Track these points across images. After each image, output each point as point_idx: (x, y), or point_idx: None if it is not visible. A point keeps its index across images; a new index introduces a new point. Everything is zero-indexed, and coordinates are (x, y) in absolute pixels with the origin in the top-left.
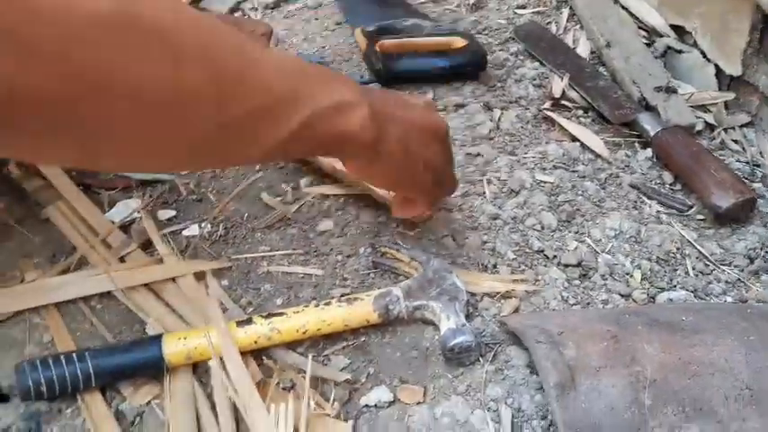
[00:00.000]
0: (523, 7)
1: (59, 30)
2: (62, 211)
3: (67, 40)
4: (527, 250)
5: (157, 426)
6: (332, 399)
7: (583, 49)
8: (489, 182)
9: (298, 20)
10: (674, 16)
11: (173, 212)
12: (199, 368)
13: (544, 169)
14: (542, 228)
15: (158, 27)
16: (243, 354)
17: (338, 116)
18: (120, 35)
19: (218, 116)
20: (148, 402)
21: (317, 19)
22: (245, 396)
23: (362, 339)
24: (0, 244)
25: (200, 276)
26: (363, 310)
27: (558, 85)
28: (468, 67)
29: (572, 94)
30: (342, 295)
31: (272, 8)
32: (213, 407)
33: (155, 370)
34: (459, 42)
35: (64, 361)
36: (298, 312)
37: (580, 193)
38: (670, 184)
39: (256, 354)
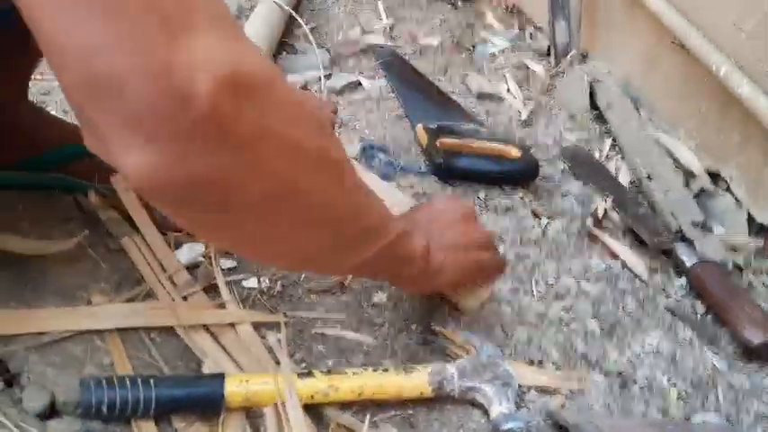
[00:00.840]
0: (569, 130)
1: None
2: (136, 243)
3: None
4: (571, 353)
5: None
6: None
7: (624, 178)
8: (537, 282)
9: (360, 107)
10: (711, 161)
11: (233, 263)
12: (251, 413)
13: (588, 280)
14: (586, 333)
15: (338, 160)
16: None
17: (407, 240)
18: (319, 165)
19: (338, 233)
20: None
21: (378, 110)
22: None
23: (410, 412)
24: (71, 265)
25: (256, 327)
26: (419, 381)
27: (602, 205)
28: (521, 176)
29: (613, 215)
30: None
31: (338, 93)
32: None
33: (212, 408)
34: (514, 152)
35: (129, 383)
36: (356, 374)
37: (621, 307)
38: (702, 314)
39: (309, 408)
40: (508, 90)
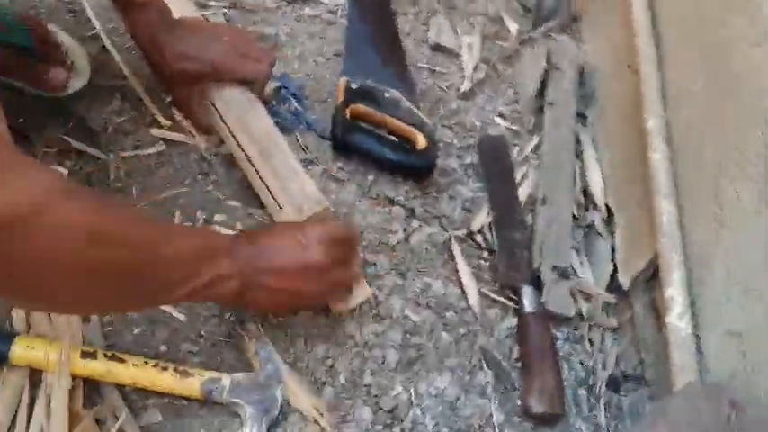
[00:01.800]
0: (503, 117)
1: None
2: None
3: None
4: (358, 380)
5: None
6: None
7: (524, 190)
8: (369, 299)
9: (305, 29)
10: (615, 200)
11: None
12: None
13: (418, 304)
14: (383, 363)
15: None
16: (78, 376)
17: (214, 287)
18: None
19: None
20: None
21: (322, 38)
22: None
23: (183, 403)
24: None
25: None
26: (191, 386)
27: (480, 220)
28: (412, 170)
29: (487, 234)
30: (178, 366)
31: (291, 2)
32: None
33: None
34: (421, 141)
35: None
36: (137, 366)
37: (433, 341)
38: (516, 359)
39: (90, 380)
40: (470, 47)
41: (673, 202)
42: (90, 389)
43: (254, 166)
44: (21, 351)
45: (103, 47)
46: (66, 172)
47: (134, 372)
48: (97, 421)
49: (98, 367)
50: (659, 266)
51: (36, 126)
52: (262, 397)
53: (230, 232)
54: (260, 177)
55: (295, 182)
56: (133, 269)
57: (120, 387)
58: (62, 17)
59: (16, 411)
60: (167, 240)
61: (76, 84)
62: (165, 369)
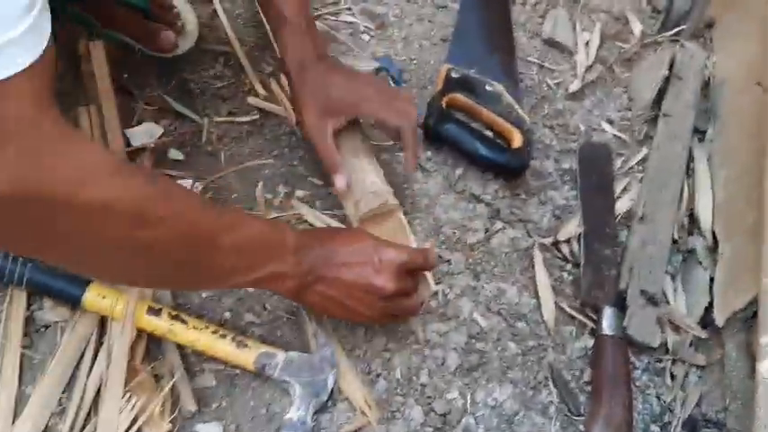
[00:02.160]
0: (611, 123)
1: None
2: (89, 114)
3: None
4: (414, 378)
5: (51, 344)
6: (173, 414)
7: (623, 204)
8: (435, 295)
9: (415, 11)
10: (722, 227)
11: (182, 157)
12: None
13: (488, 309)
14: (442, 364)
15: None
16: (142, 331)
17: (273, 282)
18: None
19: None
20: (56, 322)
21: (431, 21)
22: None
23: (237, 372)
24: None
25: None
26: (245, 358)
27: (570, 230)
28: (505, 169)
29: (575, 245)
30: (239, 334)
31: None
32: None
33: (72, 304)
34: (516, 139)
35: (9, 257)
36: (198, 329)
37: (498, 350)
38: (585, 383)
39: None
40: (587, 44)
41: None
42: (153, 344)
43: None
44: (92, 298)
45: (215, 11)
46: (161, 130)
47: (194, 335)
48: (155, 376)
49: (161, 325)
50: (759, 307)
51: (140, 83)
52: (313, 379)
53: (309, 208)
54: None
55: (358, 174)
56: (183, 253)
57: (181, 347)
58: None
59: (82, 355)
60: (228, 229)
61: (184, 46)
62: (223, 336)
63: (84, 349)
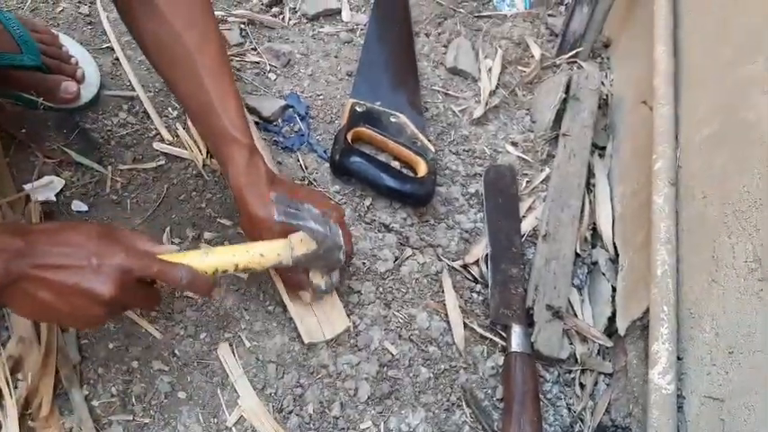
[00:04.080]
0: (515, 145)
1: None
2: None
3: None
4: (326, 411)
5: None
6: None
7: (528, 223)
8: (348, 330)
9: (320, 47)
10: (622, 241)
11: (86, 208)
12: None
13: (399, 336)
14: (354, 395)
15: None
16: None
17: None
18: None
19: None
20: None
21: (336, 57)
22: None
23: (145, 423)
24: None
25: None
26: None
27: (477, 252)
28: (411, 198)
29: (483, 267)
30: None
31: (310, 19)
32: None
33: None
34: (421, 168)
35: None
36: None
37: (411, 376)
38: (498, 399)
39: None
40: (489, 71)
41: (671, 250)
42: (61, 399)
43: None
44: None
45: (116, 59)
46: (62, 182)
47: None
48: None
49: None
50: (650, 318)
51: (39, 137)
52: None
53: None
54: None
55: None
56: None
57: (88, 400)
58: (80, 28)
59: None
60: None
61: (86, 95)
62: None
63: None
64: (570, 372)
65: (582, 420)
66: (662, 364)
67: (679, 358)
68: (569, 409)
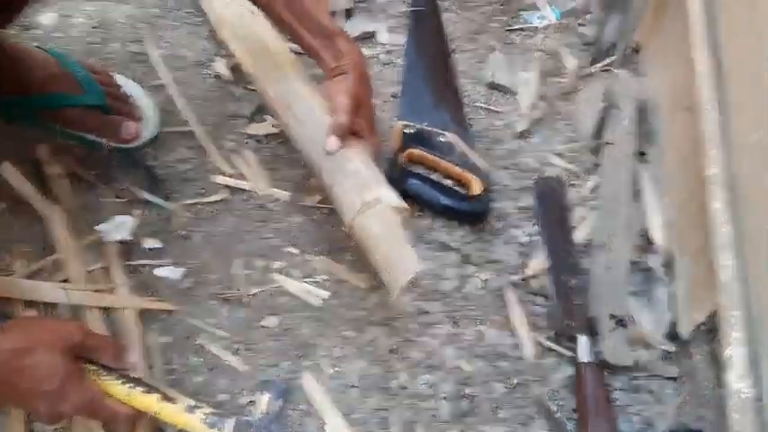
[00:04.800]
0: (560, 156)
1: None
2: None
3: None
4: None
5: None
6: None
7: (582, 233)
8: (421, 349)
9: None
10: (673, 243)
11: (158, 245)
12: None
13: (472, 353)
14: (434, 415)
15: None
16: None
17: None
18: None
19: None
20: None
21: (380, 80)
22: None
23: None
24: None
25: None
26: (193, 421)
27: (536, 266)
28: (468, 216)
29: (543, 279)
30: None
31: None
32: None
33: None
34: (475, 186)
35: None
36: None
37: (486, 393)
38: (572, 410)
39: None
40: (527, 83)
41: (734, 255)
42: None
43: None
44: None
45: (169, 95)
46: (135, 221)
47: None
48: None
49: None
50: (720, 324)
51: (107, 177)
52: None
53: (287, 278)
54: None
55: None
56: None
57: None
58: (131, 66)
59: None
60: None
61: (146, 134)
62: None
63: None
64: (637, 378)
65: (652, 426)
66: (738, 368)
67: (753, 363)
68: (639, 415)
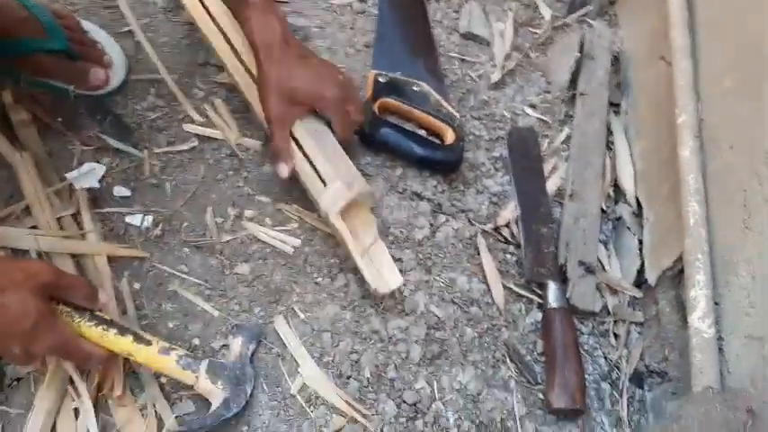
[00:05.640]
0: (533, 107)
1: None
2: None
3: None
4: (382, 374)
5: (26, 396)
6: None
7: (553, 183)
8: (393, 292)
9: (334, 18)
10: (646, 193)
11: (128, 192)
12: None
13: (443, 299)
14: (406, 358)
15: None
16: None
17: None
18: None
19: None
20: (29, 373)
21: (352, 28)
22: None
23: None
24: None
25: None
26: (167, 363)
27: (507, 215)
28: (441, 165)
29: (514, 228)
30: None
31: None
32: None
33: None
34: (449, 136)
35: None
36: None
37: (457, 336)
38: (539, 354)
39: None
40: (502, 34)
41: (701, 201)
42: (131, 378)
43: (301, 147)
44: None
45: (138, 42)
46: (104, 168)
47: (120, 343)
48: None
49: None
50: (685, 266)
51: (74, 125)
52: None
53: (259, 227)
54: (307, 157)
55: (344, 162)
56: None
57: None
58: (98, 12)
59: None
60: None
61: (115, 81)
62: (148, 344)
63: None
64: (604, 323)
65: (618, 368)
66: (701, 308)
67: (716, 303)
68: (606, 358)
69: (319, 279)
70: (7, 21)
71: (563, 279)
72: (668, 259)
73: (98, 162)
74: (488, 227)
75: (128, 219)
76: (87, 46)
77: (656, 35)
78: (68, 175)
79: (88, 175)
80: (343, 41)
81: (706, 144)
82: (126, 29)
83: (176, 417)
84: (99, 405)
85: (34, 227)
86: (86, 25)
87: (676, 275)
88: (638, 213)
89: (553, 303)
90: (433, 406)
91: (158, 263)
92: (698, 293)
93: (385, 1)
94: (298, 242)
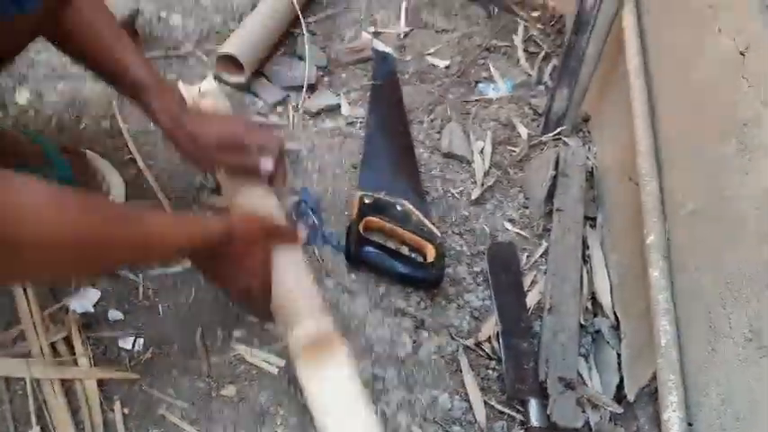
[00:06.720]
0: (512, 222)
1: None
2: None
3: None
4: None
5: None
6: None
7: (533, 297)
8: (377, 413)
9: (324, 141)
10: (622, 309)
11: (121, 316)
12: None
13: (425, 419)
14: None
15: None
16: None
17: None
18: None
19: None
20: None
21: (340, 150)
22: None
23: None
24: None
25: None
26: None
27: (488, 330)
28: (421, 283)
29: (495, 343)
30: None
31: (313, 116)
32: None
33: None
34: (430, 253)
35: None
36: None
37: None
38: None
39: None
40: (481, 152)
41: (671, 321)
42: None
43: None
44: None
45: (138, 171)
46: (98, 294)
47: None
48: None
49: None
50: (658, 386)
51: None
52: None
53: (247, 347)
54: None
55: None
56: (129, 255)
57: None
58: (102, 141)
59: None
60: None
61: None
62: None
63: None
64: None
65: None
66: (674, 431)
67: (689, 424)
68: None
69: (304, 401)
70: (17, 151)
71: (544, 395)
72: (644, 376)
73: (94, 287)
74: (470, 342)
75: (120, 343)
76: (89, 175)
77: (625, 152)
78: (65, 300)
79: (83, 299)
80: (332, 162)
81: (674, 264)
82: (127, 157)
83: None
84: None
85: (28, 352)
86: (90, 156)
87: (654, 392)
88: (617, 327)
89: (535, 422)
90: None
91: (148, 386)
92: (671, 415)
93: (372, 124)
94: (282, 363)
